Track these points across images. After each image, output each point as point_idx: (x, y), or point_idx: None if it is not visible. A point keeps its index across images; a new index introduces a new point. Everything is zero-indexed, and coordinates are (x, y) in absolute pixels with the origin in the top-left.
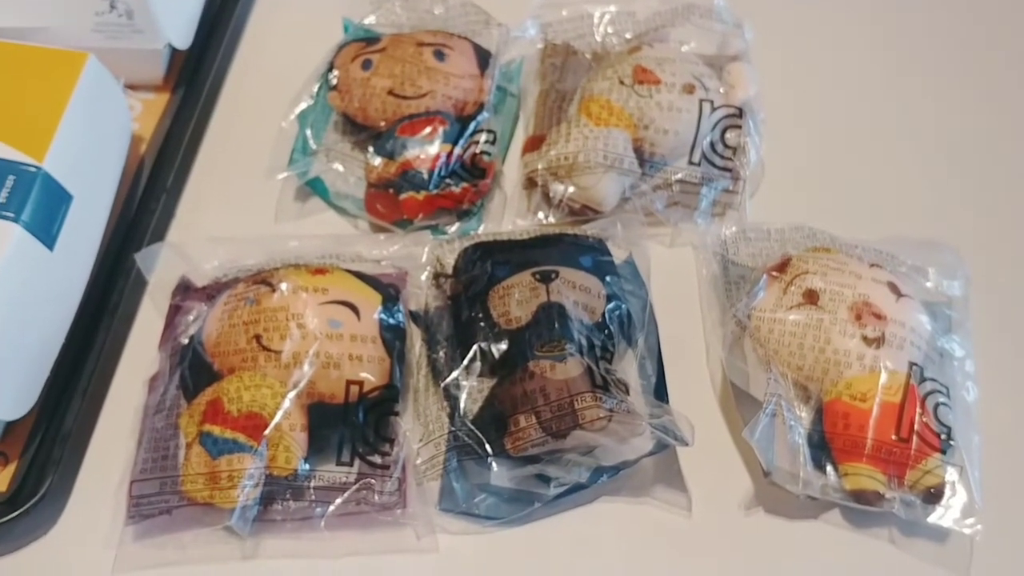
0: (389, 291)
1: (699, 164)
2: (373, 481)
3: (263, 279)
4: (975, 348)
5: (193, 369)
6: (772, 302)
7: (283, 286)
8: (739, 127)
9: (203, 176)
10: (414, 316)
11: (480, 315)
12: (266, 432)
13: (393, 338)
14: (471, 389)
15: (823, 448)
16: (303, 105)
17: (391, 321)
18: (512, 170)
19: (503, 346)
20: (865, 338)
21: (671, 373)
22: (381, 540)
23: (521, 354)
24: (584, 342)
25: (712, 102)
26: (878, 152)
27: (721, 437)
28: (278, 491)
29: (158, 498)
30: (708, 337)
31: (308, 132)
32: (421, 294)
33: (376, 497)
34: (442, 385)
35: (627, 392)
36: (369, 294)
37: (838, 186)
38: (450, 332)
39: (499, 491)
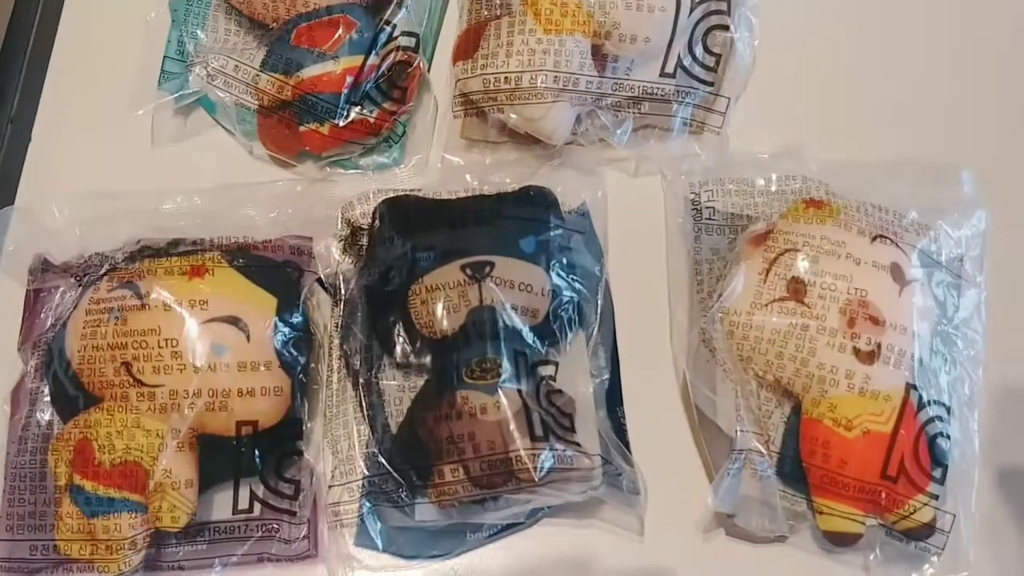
0: (287, 284)
1: (674, 75)
2: (277, 526)
3: (129, 279)
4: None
5: (59, 391)
6: (749, 295)
7: (153, 297)
8: (726, 27)
9: (57, 95)
10: (323, 285)
11: (400, 321)
12: (148, 488)
13: (294, 356)
14: (390, 401)
15: (797, 469)
16: None
17: (289, 332)
18: (440, 77)
19: (426, 360)
20: (857, 351)
21: (627, 349)
22: None
23: (447, 378)
24: (521, 362)
25: None
26: (886, 63)
27: (679, 439)
28: (168, 542)
29: (29, 562)
30: (673, 305)
31: (183, 30)
32: (330, 256)
33: (282, 546)
34: (359, 386)
35: (571, 425)
36: (260, 298)
37: (837, 103)
38: (367, 327)
39: (424, 527)
